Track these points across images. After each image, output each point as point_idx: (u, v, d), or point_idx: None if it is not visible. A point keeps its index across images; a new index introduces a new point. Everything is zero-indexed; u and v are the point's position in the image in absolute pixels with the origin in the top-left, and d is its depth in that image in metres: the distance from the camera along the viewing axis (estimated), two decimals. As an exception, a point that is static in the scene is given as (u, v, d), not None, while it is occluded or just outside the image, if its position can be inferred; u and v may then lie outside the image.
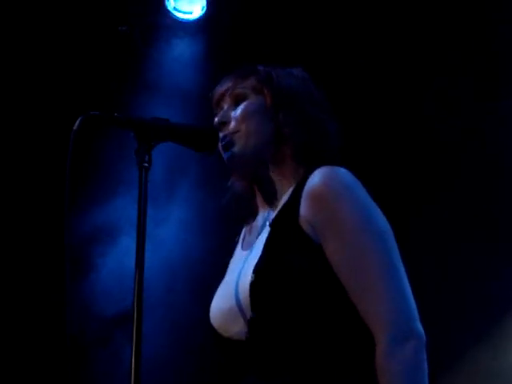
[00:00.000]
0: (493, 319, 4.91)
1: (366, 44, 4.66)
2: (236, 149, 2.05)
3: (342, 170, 1.91)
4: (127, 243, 4.28)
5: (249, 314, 1.88)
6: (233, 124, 2.07)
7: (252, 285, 1.86)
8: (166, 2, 4.43)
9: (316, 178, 1.89)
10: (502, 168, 4.87)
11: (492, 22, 4.48)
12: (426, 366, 1.77)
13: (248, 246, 2.07)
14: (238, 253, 2.12)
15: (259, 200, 2.11)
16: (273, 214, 2.01)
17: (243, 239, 2.15)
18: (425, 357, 1.77)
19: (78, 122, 1.84)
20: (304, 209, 1.88)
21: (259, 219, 2.09)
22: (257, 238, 2.03)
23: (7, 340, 4.61)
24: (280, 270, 1.85)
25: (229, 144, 2.06)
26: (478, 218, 4.88)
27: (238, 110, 2.08)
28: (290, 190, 2.00)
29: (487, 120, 4.83)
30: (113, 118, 1.90)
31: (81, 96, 4.48)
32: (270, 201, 2.06)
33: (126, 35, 4.54)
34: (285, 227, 1.92)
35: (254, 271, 1.88)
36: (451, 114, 4.86)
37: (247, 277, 1.89)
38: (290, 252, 1.87)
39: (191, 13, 4.49)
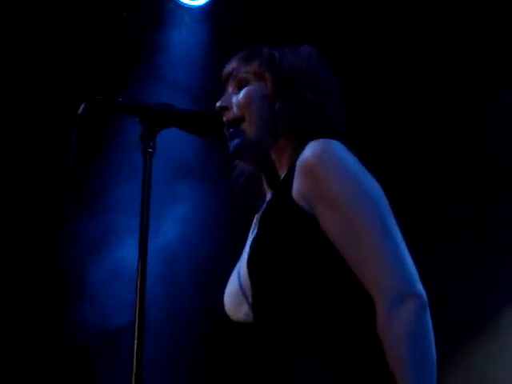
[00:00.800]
0: (487, 323, 4.91)
1: (367, 44, 4.65)
2: (240, 139, 2.05)
3: (332, 142, 1.91)
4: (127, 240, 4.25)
5: (250, 291, 1.90)
6: (235, 110, 2.06)
7: (249, 261, 1.88)
8: (172, -13, 4.42)
9: (307, 151, 1.90)
10: (500, 169, 4.86)
11: (494, 24, 4.46)
12: (428, 324, 1.76)
13: (253, 230, 2.08)
14: (249, 237, 2.12)
15: (266, 185, 2.11)
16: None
17: (253, 227, 2.15)
18: (427, 316, 1.77)
19: (82, 106, 1.84)
20: (296, 182, 1.89)
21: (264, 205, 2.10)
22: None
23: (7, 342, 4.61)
24: (274, 243, 1.87)
25: (234, 134, 2.05)
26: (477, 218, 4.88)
27: (240, 96, 2.07)
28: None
29: (487, 121, 4.82)
30: (118, 103, 1.90)
31: (85, 82, 4.46)
32: (275, 183, 2.06)
33: (130, 21, 4.53)
34: (279, 202, 1.93)
35: (250, 248, 1.90)
36: (451, 115, 4.84)
37: (246, 254, 1.92)
38: (284, 225, 1.88)
39: (197, -2, 4.47)
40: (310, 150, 1.89)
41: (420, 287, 1.79)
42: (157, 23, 4.56)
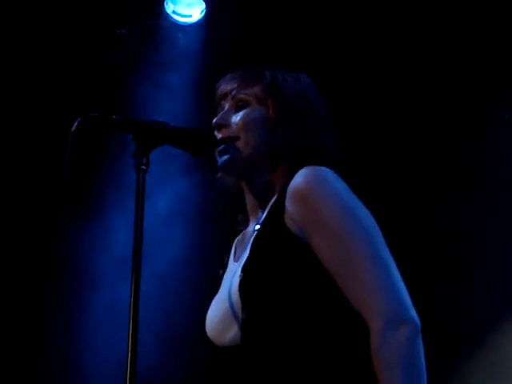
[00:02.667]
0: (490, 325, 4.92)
1: (367, 52, 4.66)
2: (232, 156, 2.04)
3: (324, 169, 1.92)
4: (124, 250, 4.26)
5: (241, 314, 1.89)
6: (232, 129, 2.06)
7: (241, 283, 1.88)
8: (165, 6, 4.43)
9: (298, 177, 1.90)
10: (502, 177, 4.87)
11: (496, 33, 4.48)
12: (421, 351, 1.77)
13: (239, 256, 2.06)
14: (230, 266, 2.11)
15: (250, 208, 2.11)
16: (262, 218, 2.02)
17: (234, 252, 2.14)
18: (420, 342, 1.77)
19: (76, 123, 1.84)
20: (288, 208, 1.89)
21: (250, 229, 2.09)
22: (247, 245, 2.02)
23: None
24: (268, 266, 1.87)
25: (225, 150, 2.05)
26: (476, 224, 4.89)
27: (239, 117, 2.07)
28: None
29: (489, 130, 4.84)
30: (111, 121, 1.90)
31: (79, 98, 4.47)
32: (261, 208, 2.06)
33: (125, 38, 4.54)
34: (271, 227, 1.93)
35: (242, 270, 1.89)
36: (453, 124, 4.86)
37: (237, 278, 1.90)
38: (277, 250, 1.88)
39: (190, 16, 4.49)
40: (301, 177, 1.90)
41: (414, 313, 1.80)
42: (150, 40, 4.57)
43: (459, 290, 4.84)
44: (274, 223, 1.92)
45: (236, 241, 2.18)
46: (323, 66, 4.49)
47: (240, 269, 1.92)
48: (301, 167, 1.97)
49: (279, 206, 1.92)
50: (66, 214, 1.81)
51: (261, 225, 1.98)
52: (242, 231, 2.16)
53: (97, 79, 4.61)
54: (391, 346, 1.74)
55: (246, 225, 2.14)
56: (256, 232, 1.98)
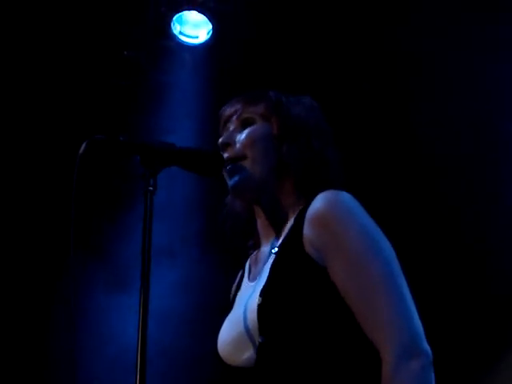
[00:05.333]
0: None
1: (369, 69, 4.68)
2: (242, 176, 2.04)
3: (345, 194, 1.92)
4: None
5: (257, 337, 1.88)
6: (238, 147, 2.07)
7: (259, 307, 1.86)
8: (172, 27, 4.45)
9: (318, 201, 1.90)
10: (499, 189, 4.87)
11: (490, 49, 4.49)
12: (433, 382, 1.77)
13: (255, 277, 2.06)
14: (245, 285, 2.11)
15: (262, 230, 2.10)
16: (278, 242, 2.01)
17: (249, 272, 2.14)
18: (432, 374, 1.77)
19: (83, 145, 1.84)
20: (307, 232, 1.89)
21: (264, 249, 2.08)
22: (263, 266, 2.02)
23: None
24: (286, 291, 1.86)
25: (234, 170, 2.05)
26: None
27: (244, 134, 2.07)
28: (294, 216, 2.00)
29: (486, 144, 4.84)
30: (118, 143, 1.90)
31: (87, 120, 4.49)
32: (274, 229, 2.06)
33: (131, 59, 4.56)
34: (290, 251, 1.92)
35: (261, 294, 1.88)
36: (452, 139, 4.86)
37: (255, 300, 1.89)
38: (295, 275, 1.87)
39: (197, 37, 4.51)
40: (322, 201, 1.89)
41: (426, 345, 1.79)
42: (157, 61, 4.59)
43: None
44: (293, 247, 1.91)
45: (249, 259, 2.17)
46: (331, 88, 4.51)
47: (258, 292, 1.90)
48: (307, 183, 1.99)
49: (297, 230, 1.92)
50: (73, 237, 1.81)
51: (279, 248, 1.97)
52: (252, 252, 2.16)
53: (104, 100, 4.62)
54: (405, 376, 1.74)
55: (258, 246, 2.13)
56: (274, 255, 1.97)
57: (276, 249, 1.98)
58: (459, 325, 4.93)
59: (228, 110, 2.14)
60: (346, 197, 1.91)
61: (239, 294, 2.11)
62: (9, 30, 4.34)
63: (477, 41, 4.37)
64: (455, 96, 4.66)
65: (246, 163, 2.05)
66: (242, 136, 2.08)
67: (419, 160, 4.94)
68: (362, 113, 4.75)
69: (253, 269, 2.12)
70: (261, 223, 2.10)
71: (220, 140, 2.10)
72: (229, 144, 2.08)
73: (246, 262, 2.19)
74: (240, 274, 2.19)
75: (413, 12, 4.33)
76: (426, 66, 4.59)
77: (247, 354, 1.91)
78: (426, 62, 4.57)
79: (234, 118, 2.12)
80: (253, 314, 1.89)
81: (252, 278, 2.08)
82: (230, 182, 2.06)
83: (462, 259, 4.97)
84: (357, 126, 4.70)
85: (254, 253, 2.15)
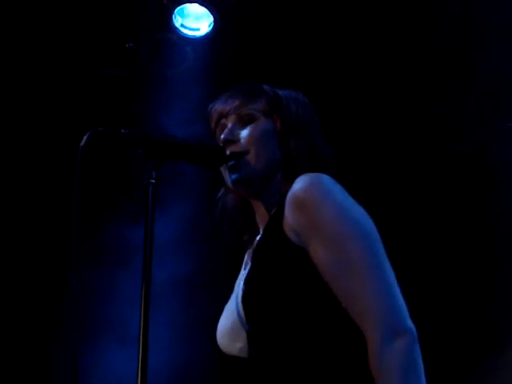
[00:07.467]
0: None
1: (372, 66, 4.67)
2: (244, 172, 2.06)
3: (323, 176, 1.92)
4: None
5: (246, 327, 1.89)
6: (242, 143, 2.07)
7: (243, 298, 1.88)
8: (173, 19, 4.44)
9: (296, 185, 1.91)
10: (501, 190, 4.87)
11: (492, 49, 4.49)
12: (419, 360, 1.77)
13: (246, 265, 2.09)
14: (240, 274, 2.13)
15: (260, 221, 2.11)
16: None
17: (246, 261, 2.15)
18: (418, 351, 1.77)
19: (85, 138, 1.84)
20: (287, 216, 1.89)
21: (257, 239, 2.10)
22: (253, 254, 2.04)
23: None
24: (268, 278, 1.87)
25: (238, 165, 2.06)
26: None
27: (248, 131, 2.09)
28: None
29: (488, 145, 4.84)
30: (120, 135, 1.90)
31: (88, 112, 4.49)
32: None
33: (133, 52, 4.55)
34: (271, 237, 1.94)
35: (245, 282, 1.90)
36: (455, 137, 4.86)
37: (241, 289, 1.91)
38: (277, 260, 1.88)
39: (198, 29, 4.50)
40: (299, 184, 1.90)
41: (410, 323, 1.79)
42: (158, 54, 4.58)
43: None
44: (274, 233, 1.92)
45: (247, 252, 2.18)
46: (334, 83, 4.51)
47: (243, 280, 1.93)
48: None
49: (278, 215, 1.93)
50: (76, 230, 1.81)
51: (261, 235, 1.98)
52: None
53: (105, 93, 4.62)
54: (389, 355, 1.74)
55: (257, 235, 2.14)
56: (257, 243, 1.98)
57: (259, 236, 1.98)
58: (458, 324, 4.92)
59: (223, 107, 2.15)
60: (324, 178, 1.91)
61: (236, 283, 2.12)
62: (7, 23, 4.33)
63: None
64: (461, 90, 4.67)
65: (249, 158, 2.06)
66: (246, 133, 2.08)
67: (423, 155, 4.94)
68: (365, 108, 4.74)
69: (248, 258, 2.14)
70: (259, 216, 2.12)
71: (222, 136, 2.10)
72: (232, 141, 2.09)
73: (245, 251, 2.20)
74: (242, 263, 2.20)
75: (415, 7, 4.33)
76: (427, 61, 4.59)
77: (240, 344, 1.93)
78: (428, 57, 4.57)
79: (231, 113, 2.12)
80: (240, 303, 1.90)
81: (244, 267, 2.10)
82: (232, 177, 2.07)
83: (462, 259, 4.97)
84: (359, 121, 4.69)
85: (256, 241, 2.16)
